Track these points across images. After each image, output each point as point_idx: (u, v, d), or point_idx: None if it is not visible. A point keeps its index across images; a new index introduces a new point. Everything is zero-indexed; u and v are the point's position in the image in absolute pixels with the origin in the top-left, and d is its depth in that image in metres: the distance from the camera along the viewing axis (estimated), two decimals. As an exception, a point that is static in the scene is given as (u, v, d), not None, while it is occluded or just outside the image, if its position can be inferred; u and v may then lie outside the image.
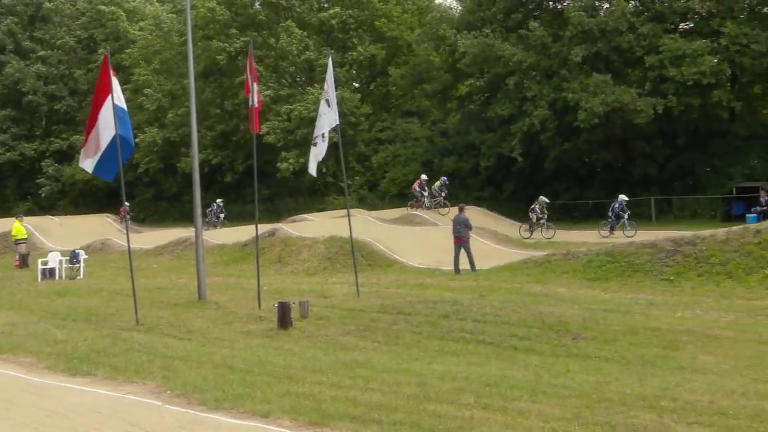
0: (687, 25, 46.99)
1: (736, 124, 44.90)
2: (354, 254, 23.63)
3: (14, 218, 38.45)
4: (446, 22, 51.37)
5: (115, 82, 18.43)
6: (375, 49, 55.85)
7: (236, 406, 10.26)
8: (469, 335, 15.82)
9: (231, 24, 57.68)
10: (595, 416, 9.36)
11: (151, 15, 64.36)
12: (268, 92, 53.38)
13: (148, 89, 60.77)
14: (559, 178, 48.46)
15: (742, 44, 41.75)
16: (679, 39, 42.76)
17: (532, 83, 46.15)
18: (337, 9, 56.37)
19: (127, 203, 45.19)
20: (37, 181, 68.33)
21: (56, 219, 52.06)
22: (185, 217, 51.85)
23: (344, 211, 30.23)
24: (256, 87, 20.99)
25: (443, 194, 41.64)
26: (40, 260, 31.04)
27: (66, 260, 30.85)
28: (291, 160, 51.61)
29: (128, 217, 42.47)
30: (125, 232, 22.26)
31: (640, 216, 41.66)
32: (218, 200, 49.73)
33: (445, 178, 43.16)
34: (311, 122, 22.60)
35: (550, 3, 50.78)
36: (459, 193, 47.45)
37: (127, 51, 64.24)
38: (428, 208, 41.78)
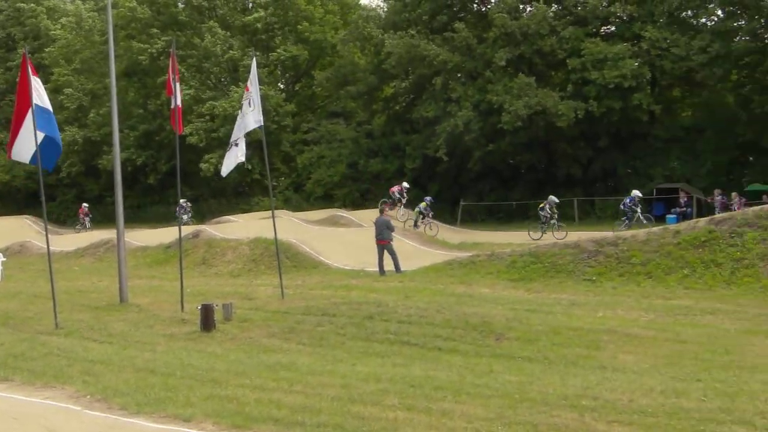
0: (608, 28, 47.76)
1: (656, 127, 45.75)
2: (279, 256, 23.49)
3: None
4: (372, 22, 51.49)
5: (37, 82, 18.10)
6: (297, 50, 55.66)
7: (158, 410, 10.10)
8: (393, 336, 15.81)
9: (153, 23, 57.13)
10: (518, 416, 9.41)
11: (72, 13, 63.34)
12: (190, 92, 52.95)
13: (69, 89, 59.73)
14: (484, 179, 48.87)
15: (662, 48, 42.57)
16: (601, 43, 43.44)
17: (457, 84, 46.45)
18: (261, 12, 56.08)
19: (85, 204, 44.77)
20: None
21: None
22: (108, 219, 51.15)
23: (269, 213, 30.06)
24: (179, 87, 20.77)
25: (431, 214, 38.74)
26: (-44, 263, 30.35)
27: (-16, 263, 30.21)
28: (213, 160, 51.25)
29: (88, 219, 41.58)
30: (44, 233, 21.82)
31: (563, 217, 42.16)
32: (182, 200, 48.61)
33: (429, 198, 40.05)
34: (235, 120, 22.33)
35: (475, 5, 51.14)
36: (384, 195, 47.59)
37: (47, 50, 62.99)
38: (416, 227, 38.42)
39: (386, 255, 26.05)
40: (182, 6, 57.89)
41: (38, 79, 18.38)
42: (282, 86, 60.83)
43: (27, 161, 18.70)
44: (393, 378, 11.76)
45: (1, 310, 20.93)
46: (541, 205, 37.03)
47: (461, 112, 44.48)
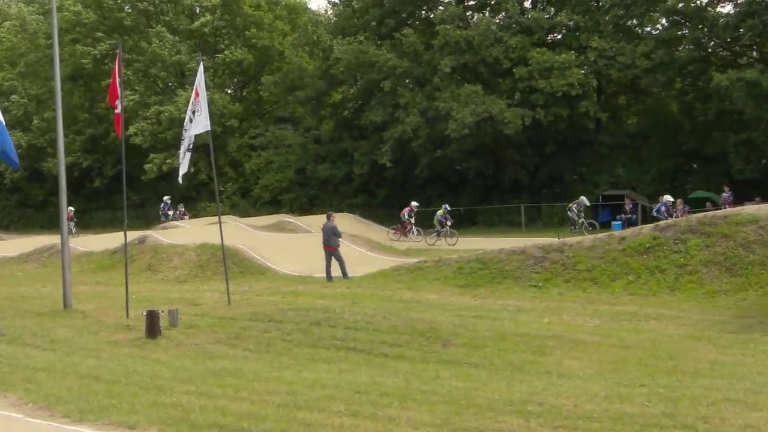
0: (555, 37, 48.16)
1: (602, 134, 46.15)
2: (225, 261, 23.34)
3: None
4: (321, 27, 51.48)
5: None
6: (242, 54, 55.41)
7: (101, 417, 10.01)
8: (340, 342, 15.79)
9: (98, 27, 56.54)
10: (464, 422, 9.45)
11: (16, 16, 62.41)
12: (134, 97, 52.58)
13: (15, 95, 58.86)
14: (432, 185, 49.02)
15: (608, 56, 43.05)
16: (547, 52, 43.75)
17: (405, 90, 46.54)
18: (209, 17, 55.78)
19: (71, 208, 43.89)
20: None
21: None
22: (53, 224, 50.52)
23: (216, 218, 29.88)
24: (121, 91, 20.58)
25: (449, 223, 38.38)
26: None
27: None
28: (158, 161, 50.84)
29: (73, 224, 40.71)
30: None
31: (510, 223, 42.51)
32: (165, 198, 47.72)
33: (447, 206, 39.65)
34: (181, 123, 22.21)
35: (423, 12, 51.27)
36: (332, 200, 47.59)
37: (-10, 53, 62.26)
38: (436, 236, 37.92)
39: (334, 261, 26.01)
40: (128, 10, 57.37)
41: None
42: (230, 91, 60.54)
43: None
44: (339, 384, 11.75)
45: (-59, 316, 20.60)
46: (569, 206, 36.93)
47: (409, 119, 44.55)
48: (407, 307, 19.42)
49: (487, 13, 48.09)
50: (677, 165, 45.65)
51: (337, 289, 23.60)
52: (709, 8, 42.26)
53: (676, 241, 21.86)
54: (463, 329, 16.26)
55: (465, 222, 44.41)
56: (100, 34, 55.80)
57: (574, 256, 22.83)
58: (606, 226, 38.01)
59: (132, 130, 50.25)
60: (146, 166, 51.33)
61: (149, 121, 52.33)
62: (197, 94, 21.03)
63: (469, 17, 47.39)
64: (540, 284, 22.18)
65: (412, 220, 39.89)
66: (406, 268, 25.70)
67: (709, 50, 43.88)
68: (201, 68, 21.56)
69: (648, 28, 45.62)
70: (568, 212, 36.64)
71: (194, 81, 21.71)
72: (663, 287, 20.67)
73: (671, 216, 33.57)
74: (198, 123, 20.88)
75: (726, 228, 21.53)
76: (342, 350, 15.34)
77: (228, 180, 53.60)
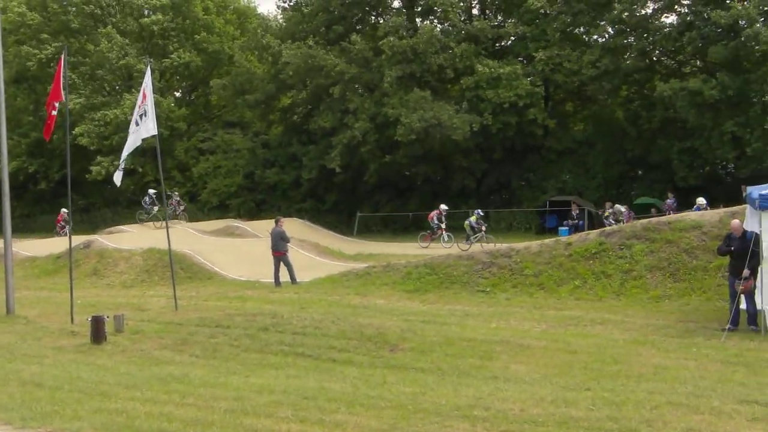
0: (502, 44, 48.46)
1: (549, 140, 46.45)
2: (172, 266, 23.18)
3: None
4: (270, 32, 51.29)
5: None
6: (190, 57, 55.08)
7: (44, 424, 9.86)
8: (288, 348, 15.75)
9: (43, 29, 55.85)
10: (411, 427, 9.45)
11: (-42, 15, 61.58)
12: (80, 100, 52.01)
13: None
14: (380, 190, 49.04)
15: (555, 63, 43.42)
16: (493, 63, 43.98)
17: (354, 96, 46.48)
18: (160, 16, 55.35)
19: (64, 210, 43.02)
20: None
21: None
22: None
23: (163, 222, 29.66)
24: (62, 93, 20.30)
25: (484, 227, 36.75)
26: None
27: None
28: (105, 164, 50.29)
29: (69, 226, 39.49)
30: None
31: (457, 229, 42.54)
32: (151, 191, 46.34)
33: (479, 211, 38.08)
34: (128, 126, 22.00)
35: (372, 17, 51.31)
36: (281, 205, 47.46)
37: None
38: (469, 242, 35.96)
39: (282, 266, 25.95)
40: (74, 13, 56.69)
41: None
42: (178, 95, 60.13)
43: None
44: (287, 390, 11.71)
45: None
46: (606, 214, 36.81)
47: (358, 124, 44.52)
48: (355, 312, 19.45)
49: (434, 21, 48.16)
50: (623, 171, 46.17)
51: (286, 294, 23.58)
52: (653, 19, 42.81)
53: (622, 247, 22.15)
54: (411, 334, 16.31)
55: (413, 227, 44.46)
56: (45, 36, 55.12)
57: (521, 261, 23.03)
58: (553, 231, 38.36)
59: (78, 130, 49.67)
60: (93, 168, 50.70)
61: (96, 123, 51.74)
62: (144, 97, 20.87)
63: (416, 25, 47.32)
64: (488, 289, 22.34)
65: (443, 225, 38.20)
66: (354, 273, 25.76)
67: (654, 59, 44.42)
68: (148, 71, 21.42)
69: (595, 36, 46.03)
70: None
71: (142, 84, 21.55)
72: (609, 292, 20.94)
73: (618, 222, 33.95)
74: (145, 127, 20.71)
75: (670, 234, 21.86)
76: (290, 356, 15.30)
77: (176, 184, 53.14)
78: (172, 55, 54.84)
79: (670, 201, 37.64)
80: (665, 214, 31.96)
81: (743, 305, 16.77)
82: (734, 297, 16.61)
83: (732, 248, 16.51)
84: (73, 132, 48.12)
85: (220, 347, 16.23)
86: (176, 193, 46.72)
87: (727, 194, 36.51)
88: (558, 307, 20.20)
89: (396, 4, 50.58)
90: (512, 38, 47.43)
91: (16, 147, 53.79)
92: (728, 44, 38.04)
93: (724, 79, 38.28)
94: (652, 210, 37.61)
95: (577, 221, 38.95)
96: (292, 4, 52.93)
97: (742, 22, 37.65)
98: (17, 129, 55.12)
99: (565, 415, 9.87)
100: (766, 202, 15.73)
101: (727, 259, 17.63)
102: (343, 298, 22.53)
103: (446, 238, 37.21)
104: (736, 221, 16.79)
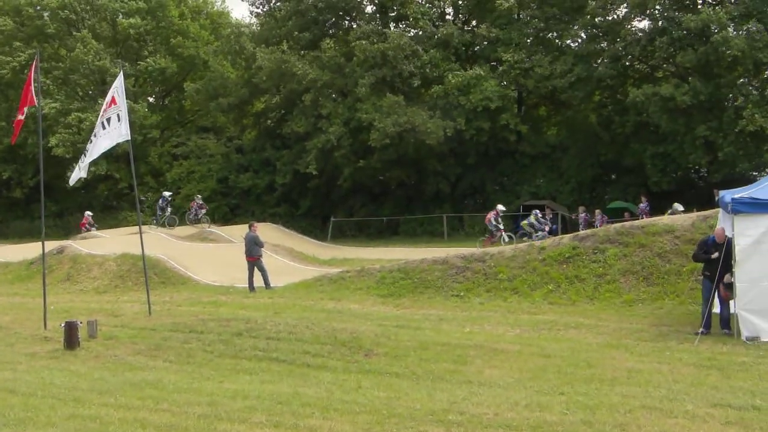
0: (474, 49, 48.60)
1: (522, 144, 46.56)
2: (146, 272, 23.06)
3: None
4: (245, 37, 51.20)
5: None
6: (166, 62, 54.88)
7: (17, 430, 9.82)
8: (262, 353, 15.70)
9: (17, 35, 55.47)
10: (385, 431, 9.49)
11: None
12: (55, 105, 51.67)
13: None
14: (355, 195, 49.07)
15: (526, 68, 43.62)
16: (463, 69, 44.12)
17: (327, 101, 46.45)
18: (138, 19, 55.06)
19: (89, 213, 42.77)
20: None
21: None
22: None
23: (137, 228, 29.54)
24: (32, 97, 20.10)
25: (547, 228, 35.73)
26: None
27: None
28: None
29: (94, 228, 39.09)
30: None
31: (432, 233, 42.73)
32: (166, 193, 45.79)
33: (538, 212, 36.91)
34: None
35: (346, 22, 51.31)
36: (255, 210, 47.37)
37: None
38: (534, 237, 34.41)
39: (256, 271, 25.90)
40: (48, 18, 56.30)
41: None
42: (152, 100, 59.88)
43: None
44: (261, 395, 11.70)
45: None
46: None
47: (332, 128, 44.48)
48: (329, 317, 19.43)
49: (405, 27, 48.29)
50: (596, 175, 46.39)
51: (260, 300, 23.53)
52: (625, 23, 43.04)
53: (595, 251, 22.25)
54: (385, 339, 16.30)
55: (387, 232, 44.52)
56: (18, 44, 54.70)
57: (495, 266, 23.08)
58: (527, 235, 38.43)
59: (53, 141, 49.31)
60: (69, 176, 50.37)
61: (70, 131, 51.34)
62: (114, 101, 20.70)
63: (387, 31, 47.31)
64: (462, 294, 22.37)
65: (501, 226, 36.65)
66: (328, 278, 25.71)
67: (627, 64, 44.64)
68: (121, 75, 21.27)
69: (568, 41, 46.23)
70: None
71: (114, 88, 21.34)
72: (582, 296, 21.02)
73: (593, 226, 34.09)
74: (117, 131, 20.57)
75: (643, 238, 21.98)
76: (264, 361, 15.25)
77: (149, 189, 52.93)
78: (149, 59, 54.62)
79: (643, 205, 37.81)
80: (639, 218, 32.13)
81: (716, 309, 16.89)
82: (707, 300, 16.70)
83: (713, 256, 16.51)
84: (49, 144, 47.80)
85: (194, 353, 16.15)
86: (198, 196, 45.91)
87: (700, 198, 36.81)
88: (532, 311, 20.27)
89: (369, 9, 50.60)
90: (485, 43, 47.54)
91: (-11, 153, 53.54)
92: (699, 49, 38.34)
93: (696, 84, 38.59)
94: (626, 214, 37.79)
95: (551, 225, 39.04)
96: (265, 9, 52.93)
97: (713, 27, 37.95)
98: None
99: (539, 419, 9.92)
100: (738, 206, 15.84)
101: (699, 264, 17.74)
102: (317, 303, 22.50)
103: (506, 239, 35.61)
104: (720, 228, 16.84)
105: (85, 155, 21.01)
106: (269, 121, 54.23)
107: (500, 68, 44.91)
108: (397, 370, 14.09)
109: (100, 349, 16.83)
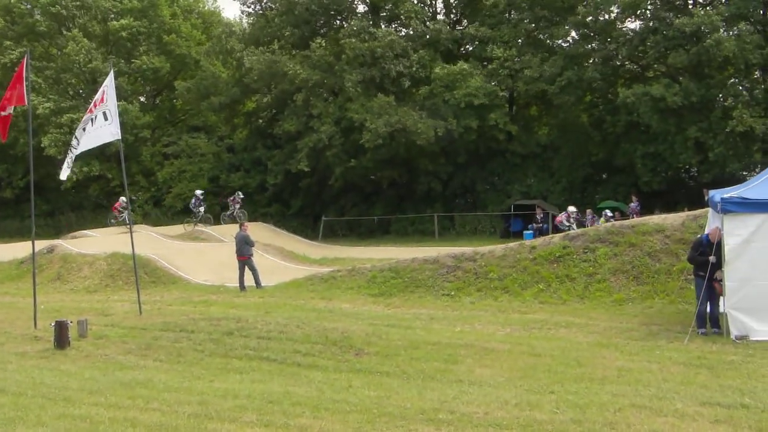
0: (465, 49, 48.62)
1: (513, 143, 46.57)
2: (137, 271, 23.04)
3: None
4: (235, 37, 51.13)
5: None
6: (159, 62, 54.79)
7: (7, 430, 9.79)
8: (252, 352, 15.69)
9: (7, 33, 55.27)
10: (376, 431, 9.48)
11: None
12: (49, 104, 51.49)
13: None
14: (346, 194, 49.03)
15: (516, 69, 43.68)
16: (452, 66, 44.08)
17: (318, 101, 46.38)
18: (130, 20, 54.89)
19: (123, 198, 42.11)
20: None
21: None
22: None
23: (128, 227, 29.51)
24: (16, 93, 19.98)
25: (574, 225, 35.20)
26: None
27: None
28: (75, 170, 49.87)
29: (128, 212, 37.97)
30: None
31: (423, 232, 42.74)
32: (198, 192, 44.78)
33: (608, 211, 37.04)
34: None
35: (336, 21, 51.25)
36: (246, 210, 47.29)
37: None
38: None
39: (247, 270, 25.90)
40: (39, 16, 56.11)
41: None
42: (143, 99, 59.72)
43: None
44: (251, 394, 11.69)
45: None
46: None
47: (324, 127, 44.42)
48: (320, 317, 19.43)
49: (397, 27, 48.32)
50: (587, 175, 46.41)
51: (250, 299, 23.54)
52: (617, 22, 43.14)
53: (586, 250, 22.30)
54: (376, 338, 16.31)
55: (378, 231, 44.52)
56: (8, 42, 54.50)
57: (486, 265, 23.11)
58: (518, 235, 38.49)
59: (45, 141, 49.12)
60: (58, 172, 50.22)
61: (62, 130, 51.19)
62: (102, 100, 20.62)
63: (377, 30, 47.23)
64: (452, 293, 22.39)
65: (574, 227, 35.44)
66: (319, 277, 25.73)
67: (618, 64, 44.71)
68: (111, 75, 21.22)
69: (559, 41, 46.26)
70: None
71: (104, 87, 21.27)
72: (572, 295, 21.06)
73: (583, 225, 34.09)
74: (107, 131, 20.53)
75: (633, 237, 22.04)
76: (254, 360, 15.24)
77: (140, 189, 52.82)
78: (143, 57, 54.46)
79: (633, 205, 37.95)
80: (629, 218, 32.21)
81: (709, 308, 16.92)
82: (705, 300, 16.66)
83: (710, 259, 16.47)
84: (42, 145, 47.64)
85: (185, 352, 16.13)
86: (239, 193, 45.10)
87: (690, 198, 36.92)
88: (522, 310, 20.30)
89: (361, 9, 50.62)
90: (476, 42, 47.53)
91: (-22, 154, 53.34)
92: (690, 50, 38.44)
93: (687, 84, 38.70)
94: (616, 213, 37.85)
95: (541, 225, 39.14)
96: (256, 9, 52.91)
97: (704, 29, 38.02)
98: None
99: (530, 418, 9.93)
100: (727, 205, 15.88)
101: (688, 263, 17.79)
102: (308, 303, 22.52)
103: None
104: (715, 227, 16.83)
105: (71, 151, 20.95)
106: (260, 121, 54.19)
107: (489, 66, 44.91)
108: (387, 369, 14.09)
109: (91, 348, 16.80)
